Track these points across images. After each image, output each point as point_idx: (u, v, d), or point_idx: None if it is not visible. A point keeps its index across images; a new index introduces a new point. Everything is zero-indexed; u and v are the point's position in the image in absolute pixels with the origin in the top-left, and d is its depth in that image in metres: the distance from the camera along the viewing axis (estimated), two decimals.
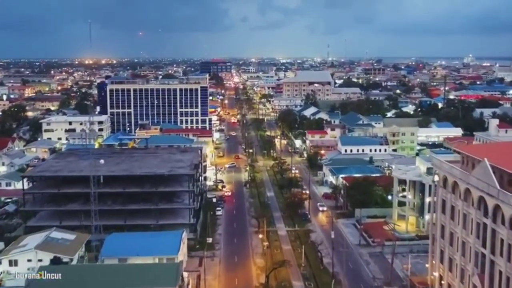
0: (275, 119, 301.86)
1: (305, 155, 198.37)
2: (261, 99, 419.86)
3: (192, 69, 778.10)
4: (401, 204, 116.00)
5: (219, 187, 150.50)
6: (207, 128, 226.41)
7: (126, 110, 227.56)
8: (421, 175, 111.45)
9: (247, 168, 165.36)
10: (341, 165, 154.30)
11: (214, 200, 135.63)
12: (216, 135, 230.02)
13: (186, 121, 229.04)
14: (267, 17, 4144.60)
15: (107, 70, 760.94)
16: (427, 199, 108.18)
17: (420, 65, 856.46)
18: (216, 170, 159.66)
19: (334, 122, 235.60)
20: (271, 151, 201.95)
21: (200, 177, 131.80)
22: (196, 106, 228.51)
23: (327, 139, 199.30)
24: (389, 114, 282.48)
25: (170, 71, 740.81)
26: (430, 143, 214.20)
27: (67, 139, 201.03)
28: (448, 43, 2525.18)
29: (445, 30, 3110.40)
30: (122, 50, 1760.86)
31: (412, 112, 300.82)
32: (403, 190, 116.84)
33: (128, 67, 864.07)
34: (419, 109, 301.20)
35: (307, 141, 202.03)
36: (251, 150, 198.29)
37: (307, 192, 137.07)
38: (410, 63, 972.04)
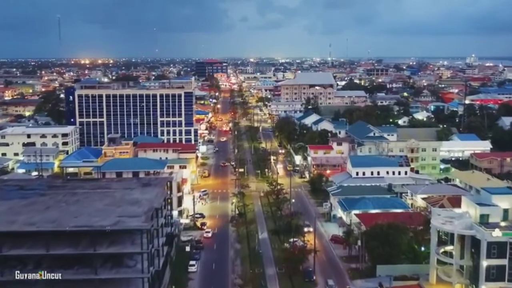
0: (272, 126, 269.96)
1: (307, 175, 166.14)
2: (257, 102, 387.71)
3: (189, 69, 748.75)
4: (442, 262, 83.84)
5: (198, 224, 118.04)
6: (192, 141, 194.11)
7: (97, 120, 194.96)
8: (473, 226, 79.06)
9: (234, 200, 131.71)
10: (352, 194, 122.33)
11: (188, 247, 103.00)
12: (203, 148, 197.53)
13: (168, 132, 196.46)
14: (266, 17, 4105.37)
15: (100, 70, 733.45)
16: (484, 262, 76.03)
17: (431, 65, 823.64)
18: (195, 200, 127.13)
19: (339, 133, 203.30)
20: (266, 170, 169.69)
21: (169, 217, 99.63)
22: (179, 115, 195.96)
23: (332, 156, 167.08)
24: (400, 122, 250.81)
25: (166, 72, 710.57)
26: (453, 158, 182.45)
27: (23, 155, 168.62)
28: (448, 43, 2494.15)
29: (444, 30, 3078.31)
30: (121, 49, 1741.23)
31: (425, 119, 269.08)
32: (440, 238, 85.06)
33: (123, 67, 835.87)
34: (433, 116, 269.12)
35: (309, 158, 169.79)
36: (241, 170, 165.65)
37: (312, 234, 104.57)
38: (411, 63, 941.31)
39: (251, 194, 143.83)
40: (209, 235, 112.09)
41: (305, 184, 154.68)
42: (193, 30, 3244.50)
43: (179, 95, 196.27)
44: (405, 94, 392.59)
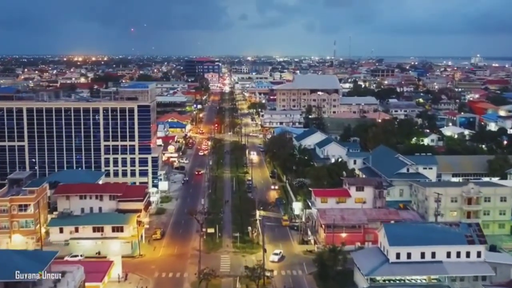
0: (264, 142, 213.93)
1: (311, 238, 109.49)
2: (249, 109, 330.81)
3: (181, 67, 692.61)
4: None
5: None
6: (149, 173, 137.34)
7: (15, 144, 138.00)
8: None
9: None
10: None
11: None
12: (163, 185, 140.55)
13: (115, 162, 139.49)
14: (266, 16, 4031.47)
15: (85, 68, 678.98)
16: None
17: (440, 65, 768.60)
18: None
19: (355, 163, 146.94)
20: (250, 228, 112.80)
21: None
22: (131, 138, 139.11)
23: (351, 209, 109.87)
24: (427, 141, 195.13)
25: (155, 70, 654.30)
26: None
27: None
28: (448, 42, 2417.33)
29: (444, 29, 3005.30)
30: (119, 47, 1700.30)
31: (455, 136, 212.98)
32: None
33: (114, 65, 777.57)
34: (467, 134, 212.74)
35: (314, 210, 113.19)
36: (211, 230, 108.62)
37: None
38: (412, 63, 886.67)
39: (221, 283, 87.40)
40: None
41: (308, 259, 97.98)
42: (192, 28, 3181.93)
43: (131, 110, 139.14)
44: (421, 100, 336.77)
